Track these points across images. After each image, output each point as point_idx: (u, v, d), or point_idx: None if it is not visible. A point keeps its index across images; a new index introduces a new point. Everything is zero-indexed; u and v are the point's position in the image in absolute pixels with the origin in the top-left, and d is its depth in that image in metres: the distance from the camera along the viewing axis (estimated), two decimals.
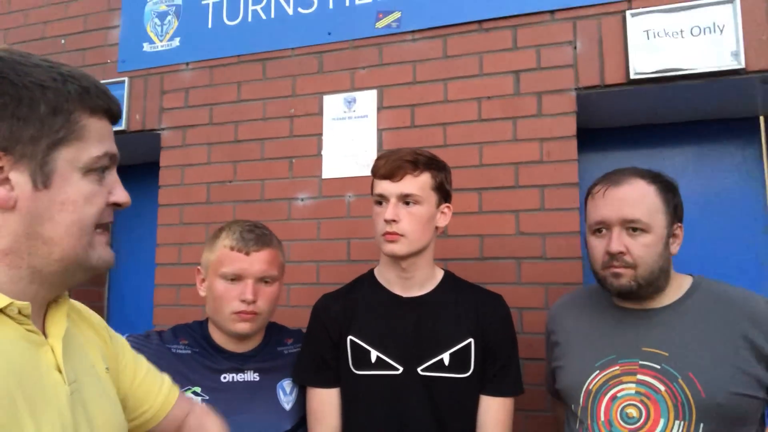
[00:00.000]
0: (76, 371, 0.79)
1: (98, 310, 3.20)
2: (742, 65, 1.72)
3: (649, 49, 1.81)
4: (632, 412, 1.23)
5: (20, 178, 0.70)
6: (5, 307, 0.69)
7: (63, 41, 2.66)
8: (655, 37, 1.80)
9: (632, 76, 1.81)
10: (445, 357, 1.39)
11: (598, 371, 1.29)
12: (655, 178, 1.29)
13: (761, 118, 2.05)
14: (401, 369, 1.38)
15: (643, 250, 1.24)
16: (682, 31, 1.79)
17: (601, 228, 1.29)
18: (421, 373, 1.38)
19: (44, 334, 0.77)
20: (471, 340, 1.40)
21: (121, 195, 0.80)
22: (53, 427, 0.69)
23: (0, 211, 0.70)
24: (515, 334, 1.49)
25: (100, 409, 0.81)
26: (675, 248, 1.30)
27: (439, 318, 1.43)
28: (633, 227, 1.25)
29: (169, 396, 1.05)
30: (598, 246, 1.30)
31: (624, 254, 1.24)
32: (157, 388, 1.03)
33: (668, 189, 1.29)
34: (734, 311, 1.22)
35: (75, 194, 0.73)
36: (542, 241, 1.88)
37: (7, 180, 0.70)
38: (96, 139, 0.76)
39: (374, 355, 1.40)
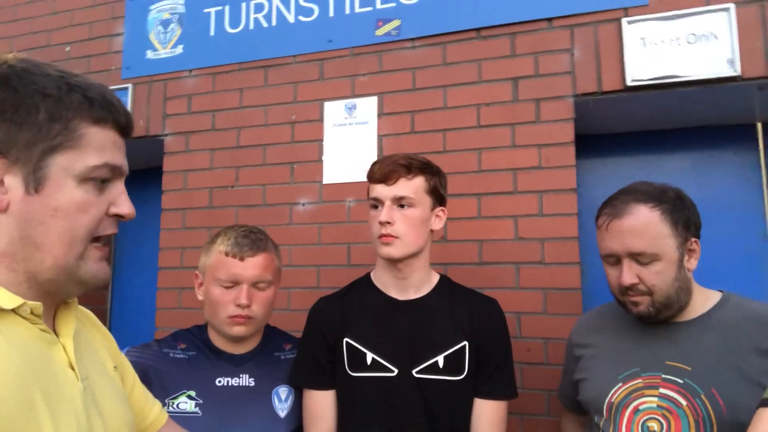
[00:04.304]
0: (87, 368, 0.80)
1: (101, 313, 3.20)
2: (738, 72, 1.74)
3: (645, 56, 1.82)
4: (653, 425, 1.22)
5: (13, 182, 0.71)
6: (18, 308, 0.71)
7: (68, 49, 2.69)
8: (651, 44, 1.82)
9: (629, 83, 1.83)
10: (440, 359, 1.40)
11: (621, 384, 1.29)
12: (659, 199, 1.25)
13: (759, 125, 2.07)
14: (396, 371, 1.40)
15: (655, 277, 1.23)
16: (678, 39, 1.80)
17: (613, 259, 1.29)
18: (416, 375, 1.39)
19: (55, 333, 0.78)
20: (465, 343, 1.41)
21: (124, 207, 0.80)
22: (69, 422, 0.70)
23: None
24: (509, 338, 1.50)
25: (111, 405, 0.83)
26: (693, 264, 1.27)
27: (434, 321, 1.44)
28: (640, 260, 1.24)
29: (160, 417, 1.05)
30: (612, 275, 1.30)
31: (637, 284, 1.24)
32: (150, 405, 1.04)
33: (675, 209, 1.25)
34: (761, 328, 1.19)
35: (67, 202, 0.73)
36: (541, 247, 1.90)
37: (0, 182, 0.71)
38: (95, 149, 0.75)
39: (370, 357, 1.41)
